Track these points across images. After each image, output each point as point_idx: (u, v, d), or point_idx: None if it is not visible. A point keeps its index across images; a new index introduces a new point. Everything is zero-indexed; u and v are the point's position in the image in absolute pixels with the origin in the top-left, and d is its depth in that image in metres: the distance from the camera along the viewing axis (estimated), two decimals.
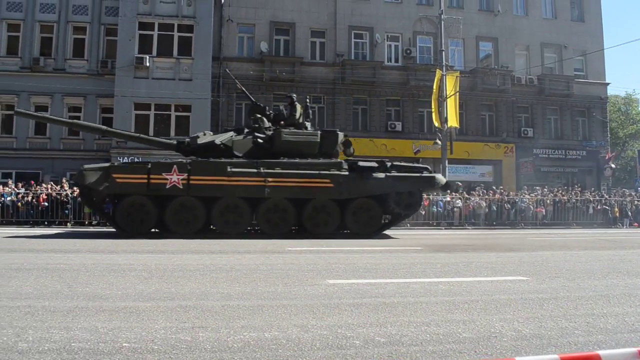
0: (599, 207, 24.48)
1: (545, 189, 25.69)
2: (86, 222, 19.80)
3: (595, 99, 31.47)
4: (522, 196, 24.09)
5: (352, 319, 4.12)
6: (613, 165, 30.58)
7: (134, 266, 7.15)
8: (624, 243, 12.72)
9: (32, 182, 21.28)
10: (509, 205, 23.50)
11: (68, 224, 19.42)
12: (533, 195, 24.44)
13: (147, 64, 25.01)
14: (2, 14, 26.11)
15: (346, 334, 3.63)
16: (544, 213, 23.71)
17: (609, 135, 32.94)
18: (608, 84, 32.65)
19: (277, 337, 3.53)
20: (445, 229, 21.55)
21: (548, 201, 24.07)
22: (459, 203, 22.88)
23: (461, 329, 3.85)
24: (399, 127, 28.45)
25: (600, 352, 2.34)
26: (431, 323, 4.00)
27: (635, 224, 24.89)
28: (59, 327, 3.69)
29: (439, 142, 24.32)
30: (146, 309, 4.32)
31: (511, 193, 24.72)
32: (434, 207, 22.75)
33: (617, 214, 24.75)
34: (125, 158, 24.38)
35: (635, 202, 25.79)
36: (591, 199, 24.77)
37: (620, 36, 59.33)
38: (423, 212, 22.57)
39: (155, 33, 25.74)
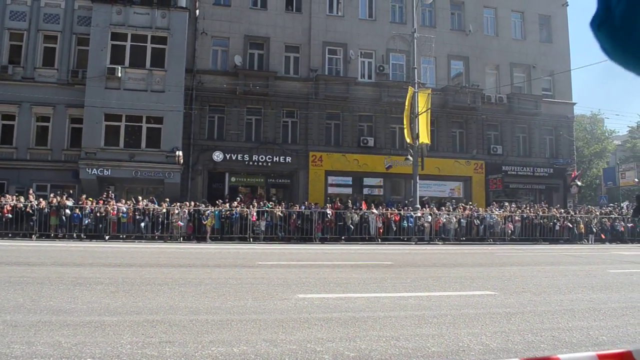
0: (565, 223, 25.01)
1: (514, 205, 26.15)
2: (52, 235, 19.38)
3: (562, 118, 32.28)
4: (491, 212, 24.49)
5: (321, 333, 4.10)
6: (579, 183, 31.32)
7: (101, 279, 7.01)
8: (589, 259, 12.99)
9: None
10: (478, 221, 23.83)
11: (33, 236, 18.96)
12: (502, 211, 24.86)
13: (119, 75, 24.69)
14: None
15: (315, 349, 3.61)
16: (512, 229, 24.11)
17: (575, 154, 33.74)
18: (574, 103, 33.55)
19: (245, 351, 3.49)
20: (416, 244, 21.70)
21: (516, 217, 24.50)
22: (429, 218, 23.11)
23: (430, 343, 3.87)
24: (371, 142, 28.65)
25: (561, 356, 2.37)
26: (400, 337, 4.01)
27: (603, 235, 25.44)
28: (21, 342, 3.59)
29: (411, 158, 24.56)
30: (112, 323, 4.23)
31: (480, 209, 25.08)
32: (405, 222, 22.94)
33: (583, 231, 25.32)
34: (95, 170, 23.99)
35: (602, 219, 26.40)
36: (558, 215, 25.31)
37: (587, 58, 61.79)
38: (394, 228, 22.76)
39: (128, 44, 25.46)
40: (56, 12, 26.01)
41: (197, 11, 27.33)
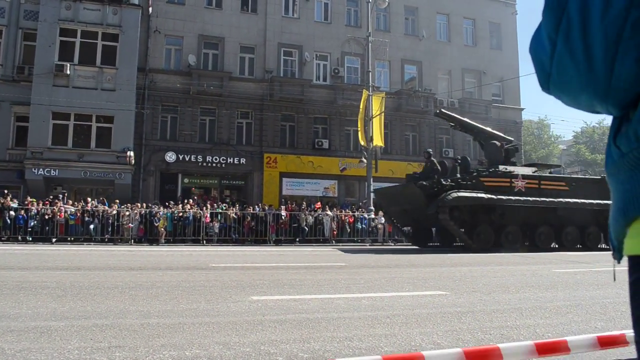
0: None
1: None
2: None
3: (511, 122, 33.28)
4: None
5: (275, 335, 4.10)
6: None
7: (47, 284, 6.78)
8: (535, 259, 13.42)
9: None
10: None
11: None
12: None
13: (68, 72, 23.94)
14: None
15: (269, 351, 3.60)
16: None
17: (522, 158, 34.84)
18: (523, 109, 34.74)
19: (198, 355, 3.45)
20: (370, 245, 21.92)
21: None
22: (383, 220, 23.39)
23: (383, 343, 3.92)
24: (325, 144, 28.79)
25: (501, 345, 2.46)
26: (354, 338, 4.05)
27: None
28: None
29: (365, 160, 24.82)
30: (59, 328, 4.10)
31: None
32: (359, 224, 23.14)
33: None
34: (41, 170, 23.17)
35: None
36: None
37: None
38: (348, 230, 22.91)
39: (77, 40, 24.73)
40: (1, 6, 25.07)
41: (150, 9, 26.85)
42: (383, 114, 25.71)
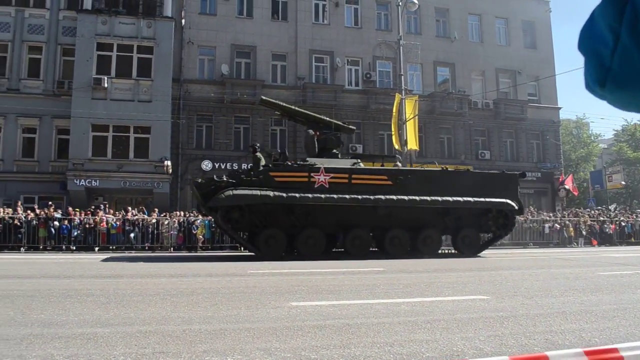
0: (554, 227, 25.16)
1: None
2: (41, 247, 19.17)
3: (548, 122, 32.59)
4: None
5: (315, 340, 4.10)
6: (567, 187, 31.53)
7: (92, 291, 6.95)
8: (579, 262, 13.09)
9: None
10: None
11: (22, 248, 18.74)
12: None
13: (106, 85, 24.58)
14: None
15: (310, 356, 3.61)
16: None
17: (562, 158, 34.07)
18: (560, 108, 33.92)
19: None
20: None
21: None
22: None
23: (424, 348, 3.88)
24: (359, 149, 28.70)
25: (549, 354, 2.40)
26: (394, 343, 4.02)
27: (595, 241, 25.58)
28: (13, 355, 3.55)
29: (399, 164, 24.62)
30: (104, 335, 4.20)
31: None
32: None
33: (572, 234, 25.50)
34: (83, 181, 23.81)
35: (588, 222, 26.61)
36: (547, 219, 25.47)
37: (571, 62, 62.75)
38: None
39: (114, 54, 25.37)
40: (40, 23, 25.87)
41: (183, 20, 27.33)
42: (417, 117, 25.51)
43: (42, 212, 19.93)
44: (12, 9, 25.73)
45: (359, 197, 14.47)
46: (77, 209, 20.90)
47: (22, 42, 25.73)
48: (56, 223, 19.53)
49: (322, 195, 14.30)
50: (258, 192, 13.93)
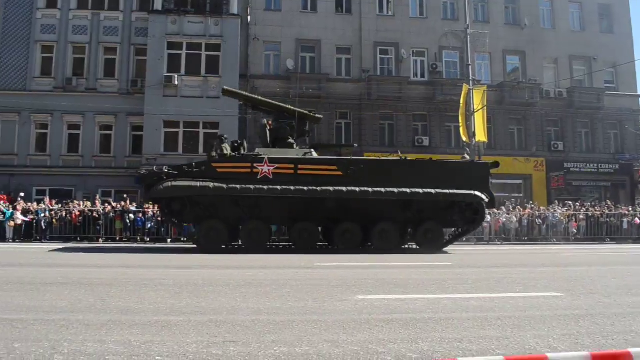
0: (634, 221, 23.80)
1: (578, 204, 25.11)
2: (117, 238, 20.12)
3: (626, 111, 30.82)
4: (553, 211, 23.61)
5: (383, 334, 4.08)
6: None
7: (165, 281, 7.23)
8: None
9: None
10: (540, 221, 23.06)
11: (100, 239, 19.74)
12: (565, 209, 23.94)
13: (176, 83, 25.46)
14: (36, 36, 26.94)
15: (377, 350, 3.59)
16: (577, 228, 23.16)
17: None
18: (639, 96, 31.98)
19: (307, 352, 3.51)
20: (475, 244, 21.24)
21: (581, 216, 23.55)
22: (489, 218, 22.53)
23: (494, 345, 3.78)
24: (426, 142, 28.28)
25: (632, 350, 2.26)
26: (464, 339, 3.94)
27: None
28: (93, 340, 3.74)
29: (467, 156, 24.02)
30: (178, 323, 4.35)
31: (542, 208, 24.27)
32: None
33: None
34: None
35: None
36: (626, 213, 24.13)
37: None
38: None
39: (183, 52, 26.23)
40: (115, 25, 27.09)
41: (249, 17, 27.81)
42: (485, 108, 24.82)
43: (119, 205, 20.91)
44: (89, 13, 27.11)
45: (305, 188, 13.78)
46: (151, 202, 21.75)
47: (98, 43, 27.07)
48: (131, 216, 20.42)
49: (265, 187, 13.76)
50: (197, 184, 13.64)
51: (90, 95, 26.48)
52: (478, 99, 24.51)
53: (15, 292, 6.09)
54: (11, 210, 19.70)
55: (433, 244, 14.58)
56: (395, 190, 13.94)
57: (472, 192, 14.37)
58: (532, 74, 29.96)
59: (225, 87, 18.56)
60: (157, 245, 18.71)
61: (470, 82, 24.82)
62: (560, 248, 17.43)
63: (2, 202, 20.64)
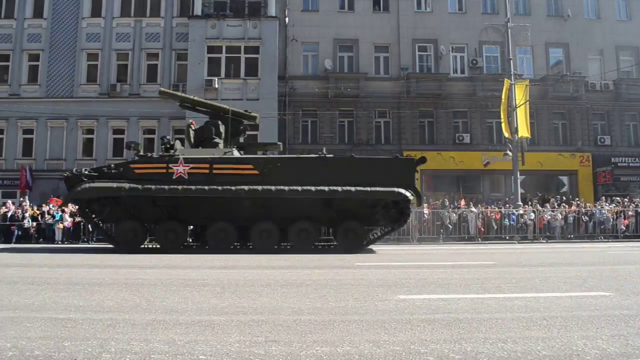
0: None
1: (626, 200, 24.27)
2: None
3: None
4: (600, 207, 22.87)
5: (425, 334, 4.04)
6: None
7: (207, 281, 7.35)
8: None
9: None
10: (586, 218, 22.38)
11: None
12: (613, 206, 23.15)
13: (216, 86, 25.89)
14: (82, 44, 27.88)
15: (419, 350, 3.56)
16: (626, 225, 22.36)
17: None
18: None
19: (349, 352, 3.51)
20: (519, 242, 20.80)
21: (630, 212, 22.73)
22: (532, 216, 22.04)
23: (540, 346, 3.69)
24: (467, 139, 27.87)
25: None
26: (508, 340, 3.86)
27: None
28: (139, 339, 3.84)
29: (510, 153, 23.61)
30: (220, 322, 4.42)
31: (589, 204, 23.56)
32: (506, 220, 22.02)
33: None
34: None
35: None
36: None
37: None
38: (495, 227, 21.91)
39: (223, 56, 26.65)
40: (156, 31, 27.74)
41: (287, 19, 27.99)
42: (528, 103, 24.27)
43: None
44: (131, 20, 27.87)
45: (219, 188, 13.68)
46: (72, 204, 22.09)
47: (140, 50, 27.79)
48: None
49: (180, 187, 13.73)
50: (114, 185, 13.73)
51: (133, 100, 27.23)
52: (520, 94, 23.98)
53: (65, 292, 6.31)
54: (60, 213, 20.39)
55: (354, 244, 14.21)
56: (313, 188, 13.67)
57: (395, 189, 13.81)
58: (577, 66, 29.12)
59: (161, 89, 19.04)
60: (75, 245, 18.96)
61: (512, 76, 24.31)
62: (608, 246, 16.90)
63: (52, 205, 21.36)
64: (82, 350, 3.53)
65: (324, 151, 14.85)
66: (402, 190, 13.77)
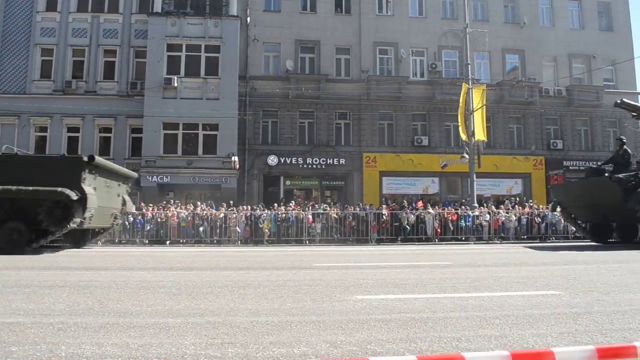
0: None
1: None
2: (116, 240, 20.12)
3: None
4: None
5: (381, 334, 4.07)
6: None
7: (164, 283, 7.22)
8: None
9: None
10: (539, 219, 23.05)
11: (98, 242, 19.70)
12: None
13: (176, 85, 25.47)
14: (36, 39, 27.01)
15: (376, 350, 3.59)
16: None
17: None
18: (639, 93, 32.00)
19: (306, 352, 3.51)
20: (474, 243, 21.24)
21: None
22: (488, 217, 22.56)
23: (493, 344, 3.77)
24: (425, 141, 28.31)
25: (555, 350, 2.26)
26: (462, 338, 3.93)
27: None
28: (91, 343, 3.74)
29: (467, 155, 24.10)
30: (176, 325, 4.35)
31: (541, 206, 24.27)
32: (462, 221, 22.48)
33: None
34: (155, 177, 24.77)
35: None
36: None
37: None
38: (452, 228, 22.31)
39: (183, 54, 26.24)
40: (114, 27, 27.13)
41: (248, 18, 27.83)
42: (484, 107, 24.83)
43: None
44: (88, 15, 27.18)
45: None
46: (150, 204, 21.80)
47: (98, 46, 27.11)
48: (130, 217, 20.43)
49: None
50: None
51: (89, 97, 26.54)
52: (477, 98, 24.51)
53: (13, 295, 6.09)
54: None
55: (16, 245, 13.43)
56: None
57: (57, 189, 12.97)
58: (531, 72, 30.00)
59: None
60: (276, 246, 18.66)
61: (470, 81, 24.83)
62: (559, 246, 17.42)
63: None
64: (31, 355, 3.41)
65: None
66: (66, 190, 12.97)
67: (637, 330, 4.22)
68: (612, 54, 30.76)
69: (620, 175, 14.55)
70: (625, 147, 16.24)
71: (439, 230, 22.35)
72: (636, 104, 19.65)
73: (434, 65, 29.15)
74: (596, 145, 30.29)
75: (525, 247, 17.81)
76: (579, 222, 18.19)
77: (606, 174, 15.39)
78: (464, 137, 24.69)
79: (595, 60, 30.58)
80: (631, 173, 14.72)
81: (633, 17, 48.96)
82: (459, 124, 25.00)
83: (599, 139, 30.42)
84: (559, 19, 31.23)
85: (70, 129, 26.72)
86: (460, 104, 24.72)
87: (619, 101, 17.74)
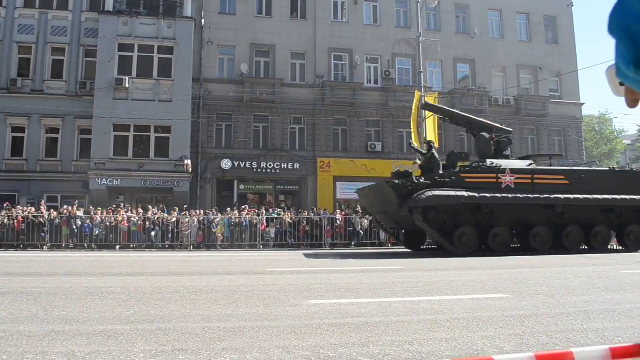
0: None
1: None
2: (63, 245, 19.49)
3: (570, 118, 32.13)
4: None
5: (334, 339, 4.08)
6: None
7: (112, 289, 7.03)
8: (601, 259, 12.87)
9: (7, 203, 20.93)
10: None
11: (45, 246, 19.06)
12: None
13: (127, 85, 24.87)
14: None
15: (329, 354, 3.60)
16: None
17: (584, 154, 33.55)
18: (582, 104, 33.43)
19: (258, 358, 3.48)
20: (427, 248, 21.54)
21: None
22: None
23: (444, 347, 3.84)
24: (379, 147, 28.64)
25: (574, 350, 2.35)
26: (414, 342, 3.99)
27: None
28: (35, 351, 3.60)
29: (419, 161, 24.49)
30: (125, 332, 4.24)
31: None
32: None
33: None
34: (104, 180, 24.11)
35: None
36: None
37: (593, 57, 61.93)
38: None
39: (135, 54, 25.66)
40: (64, 25, 26.28)
41: (203, 20, 27.51)
42: (437, 115, 25.32)
43: (65, 211, 20.27)
44: (36, 12, 26.21)
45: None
46: (99, 208, 21.20)
47: (45, 44, 26.18)
48: (78, 222, 19.84)
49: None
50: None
51: (36, 97, 25.59)
52: None
53: None
54: None
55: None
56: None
57: None
58: (482, 81, 30.84)
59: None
60: (229, 251, 18.18)
61: (422, 88, 25.29)
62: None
63: None
64: None
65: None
66: None
67: (580, 331, 4.38)
68: (558, 65, 32.01)
69: (396, 181, 15.02)
70: (433, 151, 16.77)
71: (391, 236, 22.55)
72: (442, 106, 20.79)
73: (387, 73, 29.56)
74: (542, 153, 31.33)
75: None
76: (385, 227, 18.81)
77: (386, 181, 15.87)
78: (416, 144, 25.07)
79: (542, 71, 31.73)
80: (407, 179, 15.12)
81: (577, 31, 51.06)
82: (412, 130, 25.39)
83: (545, 146, 31.50)
84: (508, 31, 32.26)
85: (15, 129, 25.67)
86: (413, 111, 25.12)
87: (423, 103, 18.79)
